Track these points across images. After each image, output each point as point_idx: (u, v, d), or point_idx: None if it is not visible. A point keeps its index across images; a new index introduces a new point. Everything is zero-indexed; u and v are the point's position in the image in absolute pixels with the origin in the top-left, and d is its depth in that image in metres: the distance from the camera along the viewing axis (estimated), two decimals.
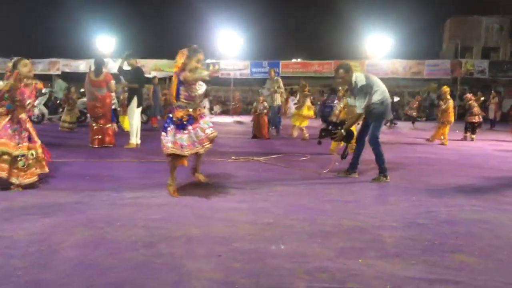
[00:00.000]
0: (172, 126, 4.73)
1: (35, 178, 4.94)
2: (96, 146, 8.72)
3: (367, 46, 28.96)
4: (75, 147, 8.98)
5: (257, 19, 41.43)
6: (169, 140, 4.71)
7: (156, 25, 45.34)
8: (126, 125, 13.01)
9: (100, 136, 8.81)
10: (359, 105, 5.85)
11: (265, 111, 12.03)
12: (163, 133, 4.78)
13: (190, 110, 4.75)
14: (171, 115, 4.78)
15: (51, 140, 9.96)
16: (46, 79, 27.85)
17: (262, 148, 9.66)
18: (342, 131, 6.05)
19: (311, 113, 11.90)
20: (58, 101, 14.97)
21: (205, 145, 4.85)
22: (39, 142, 5.09)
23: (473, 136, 12.51)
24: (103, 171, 6.17)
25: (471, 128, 12.55)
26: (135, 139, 9.10)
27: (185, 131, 4.73)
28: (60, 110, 14.17)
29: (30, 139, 4.99)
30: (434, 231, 3.68)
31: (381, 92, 5.88)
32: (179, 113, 4.72)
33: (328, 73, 28.03)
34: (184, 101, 4.75)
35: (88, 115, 10.64)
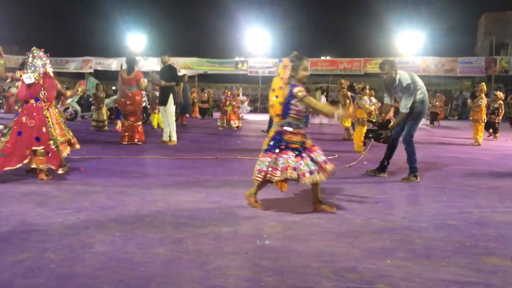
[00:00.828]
0: (290, 152, 3.98)
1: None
2: (126, 143, 8.89)
3: (398, 43, 28.48)
4: (107, 143, 9.18)
5: (285, 16, 41.32)
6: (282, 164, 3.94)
7: (186, 23, 45.85)
8: (156, 123, 13.23)
9: (130, 133, 8.98)
10: (405, 104, 5.68)
11: None
12: (267, 158, 4.02)
13: (304, 139, 4.10)
14: (281, 137, 4.03)
15: (83, 136, 10.22)
16: (79, 77, 28.65)
17: None
18: (388, 131, 5.86)
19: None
20: (90, 99, 15.32)
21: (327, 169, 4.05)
22: None
23: (497, 134, 12.23)
24: (134, 168, 6.29)
25: (494, 127, 12.19)
26: (175, 136, 9.33)
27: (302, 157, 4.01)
28: (92, 107, 14.46)
29: None
30: (466, 233, 3.59)
31: (422, 90, 5.80)
32: (295, 137, 4.04)
33: (357, 71, 27.73)
34: (296, 116, 4.06)
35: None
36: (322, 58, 30.88)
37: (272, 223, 3.73)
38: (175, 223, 3.64)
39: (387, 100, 6.19)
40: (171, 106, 9.21)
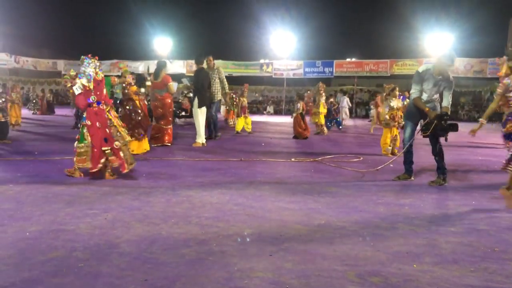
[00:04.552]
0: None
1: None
2: (154, 145, 9.02)
3: (426, 44, 28.00)
4: None
5: (310, 18, 41.21)
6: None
7: (211, 26, 46.26)
8: (240, 127, 13.25)
9: (160, 135, 9.13)
10: (450, 100, 5.64)
11: (299, 111, 12.24)
12: None
13: None
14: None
15: None
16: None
17: (313, 148, 9.60)
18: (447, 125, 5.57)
19: (325, 110, 13.84)
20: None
21: None
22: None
23: None
24: (160, 169, 6.37)
25: None
26: (201, 139, 9.38)
27: None
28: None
29: None
30: (495, 238, 3.50)
31: None
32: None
33: (384, 73, 27.40)
34: None
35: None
36: (348, 59, 30.63)
37: (296, 225, 3.72)
38: (199, 224, 3.67)
39: (417, 93, 5.81)
40: (196, 109, 9.33)
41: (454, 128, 5.57)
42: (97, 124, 5.52)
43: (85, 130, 5.58)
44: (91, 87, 5.53)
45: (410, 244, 3.31)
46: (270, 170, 6.53)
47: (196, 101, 9.31)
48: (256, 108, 34.51)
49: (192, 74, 10.54)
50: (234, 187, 5.21)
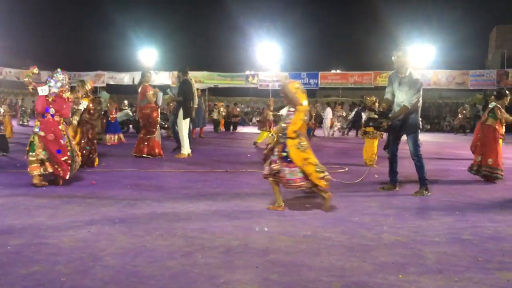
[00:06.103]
0: None
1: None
2: (137, 155, 8.92)
3: (409, 56, 28.40)
4: (118, 156, 9.23)
5: (296, 30, 41.53)
6: None
7: (196, 38, 46.36)
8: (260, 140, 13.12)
9: (139, 146, 9.04)
10: (410, 99, 5.57)
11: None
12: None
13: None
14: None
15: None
16: (92, 91, 29.08)
17: None
18: (388, 120, 5.75)
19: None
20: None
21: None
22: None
23: None
24: (145, 181, 6.31)
25: None
26: (186, 150, 9.30)
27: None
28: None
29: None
30: (479, 248, 3.54)
31: (420, 100, 5.74)
32: None
33: (368, 85, 27.69)
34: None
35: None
36: (333, 71, 30.91)
37: (282, 236, 3.71)
38: (185, 236, 3.64)
39: (388, 96, 5.98)
40: (181, 120, 9.28)
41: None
42: (50, 136, 5.56)
43: (36, 141, 5.56)
44: (50, 100, 5.63)
45: (395, 254, 3.33)
46: (256, 181, 6.52)
47: (181, 112, 9.28)
48: (242, 119, 34.54)
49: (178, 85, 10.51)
50: (220, 199, 5.19)
